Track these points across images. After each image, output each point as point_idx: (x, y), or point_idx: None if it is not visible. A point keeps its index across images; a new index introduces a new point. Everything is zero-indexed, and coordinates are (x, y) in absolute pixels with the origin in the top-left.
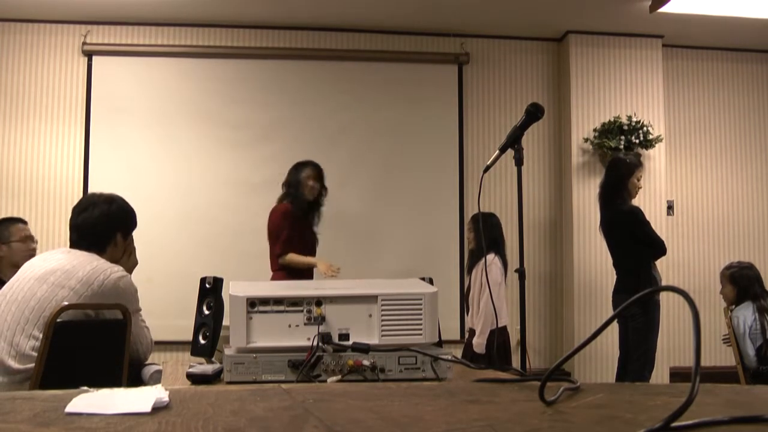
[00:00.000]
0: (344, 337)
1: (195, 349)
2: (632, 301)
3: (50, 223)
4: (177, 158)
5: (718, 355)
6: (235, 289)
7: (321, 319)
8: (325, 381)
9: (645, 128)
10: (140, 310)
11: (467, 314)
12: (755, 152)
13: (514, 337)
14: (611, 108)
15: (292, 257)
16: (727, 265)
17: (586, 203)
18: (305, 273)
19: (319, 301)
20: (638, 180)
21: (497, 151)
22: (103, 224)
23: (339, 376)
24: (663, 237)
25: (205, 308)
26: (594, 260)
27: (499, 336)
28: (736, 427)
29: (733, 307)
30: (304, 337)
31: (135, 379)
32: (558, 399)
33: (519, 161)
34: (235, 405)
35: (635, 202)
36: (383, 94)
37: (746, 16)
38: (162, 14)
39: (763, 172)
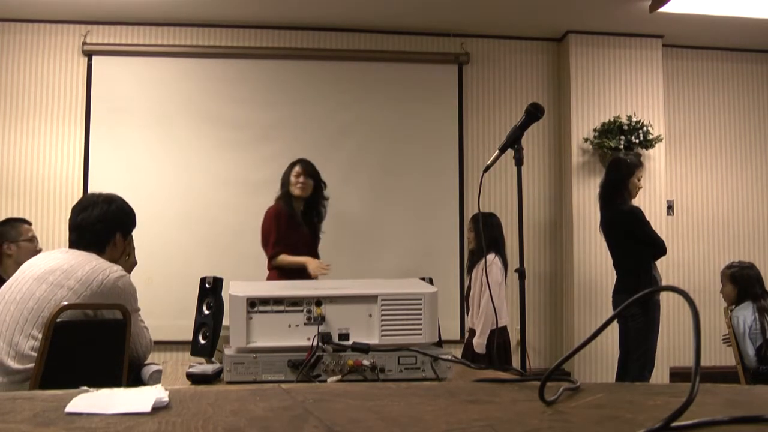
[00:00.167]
0: (344, 337)
1: (195, 349)
2: (632, 301)
3: (50, 223)
4: (177, 158)
5: (718, 355)
6: (235, 289)
7: (321, 319)
8: (325, 381)
9: (645, 128)
10: (139, 310)
11: (467, 314)
12: (755, 152)
13: (514, 337)
14: (611, 108)
15: (283, 258)
16: (728, 264)
17: (586, 203)
18: (299, 272)
19: (319, 301)
20: (639, 180)
21: (497, 151)
22: (103, 224)
23: (339, 376)
24: (663, 237)
25: (205, 308)
26: (594, 260)
27: (499, 336)
28: (736, 427)
29: (733, 307)
30: (304, 337)
31: (135, 379)
32: (558, 399)
33: (519, 161)
34: (235, 405)
35: (635, 202)
36: (383, 94)
37: (746, 16)
38: (162, 14)
39: (763, 172)
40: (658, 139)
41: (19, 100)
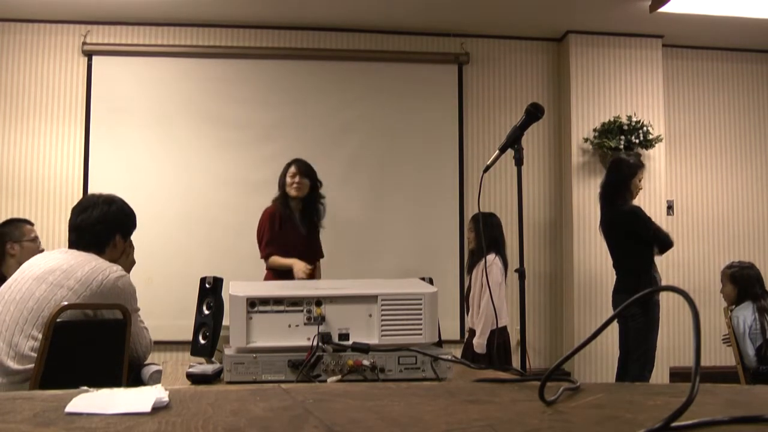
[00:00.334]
0: (344, 337)
1: (195, 349)
2: (632, 301)
3: (50, 223)
4: (177, 158)
5: (718, 355)
6: (235, 289)
7: (321, 319)
8: (325, 381)
9: (645, 128)
10: (139, 310)
11: (467, 314)
12: (755, 152)
13: (514, 337)
14: (611, 108)
15: (274, 259)
16: (728, 264)
17: (586, 203)
18: (291, 270)
19: (319, 301)
20: (640, 181)
21: (497, 151)
22: (103, 225)
23: (339, 376)
24: None
25: (205, 308)
26: (594, 260)
27: (499, 336)
28: (736, 427)
29: (733, 306)
30: (304, 337)
31: (135, 379)
32: (558, 399)
33: (519, 161)
34: (235, 405)
35: (635, 202)
36: (383, 94)
37: (746, 16)
38: (162, 14)
39: (763, 172)
40: (658, 139)
41: (19, 100)
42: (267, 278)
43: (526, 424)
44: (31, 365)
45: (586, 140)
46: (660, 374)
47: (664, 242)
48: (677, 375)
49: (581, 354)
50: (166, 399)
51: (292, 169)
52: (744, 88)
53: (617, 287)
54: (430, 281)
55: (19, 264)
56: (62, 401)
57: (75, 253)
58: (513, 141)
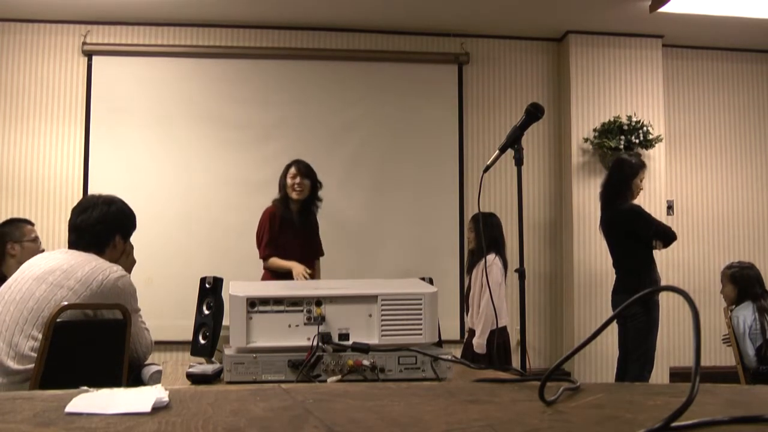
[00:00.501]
0: (344, 337)
1: (195, 349)
2: (632, 301)
3: (50, 223)
4: (177, 158)
5: (718, 355)
6: (235, 289)
7: (321, 319)
8: (325, 381)
9: (645, 128)
10: (140, 310)
11: (467, 314)
12: (755, 152)
13: (514, 337)
14: (611, 108)
15: (274, 261)
16: (728, 264)
17: (586, 203)
18: (289, 273)
19: (319, 301)
20: (641, 181)
21: (497, 151)
22: (103, 226)
23: (339, 376)
24: None
25: (205, 308)
26: (594, 260)
27: (499, 336)
28: (736, 427)
29: (733, 307)
30: (304, 337)
31: (135, 379)
32: (558, 399)
33: (519, 161)
34: (235, 405)
35: (636, 202)
36: (383, 94)
37: (746, 16)
38: (162, 14)
39: (763, 172)
40: (658, 139)
41: (19, 100)
42: (264, 278)
43: (526, 424)
44: (31, 365)
45: (586, 140)
46: (660, 374)
47: (667, 235)
48: (677, 375)
49: (581, 354)
50: (166, 399)
51: (293, 170)
52: (744, 88)
53: (617, 287)
54: (430, 281)
55: (20, 264)
56: (62, 401)
57: (75, 253)
58: (513, 141)
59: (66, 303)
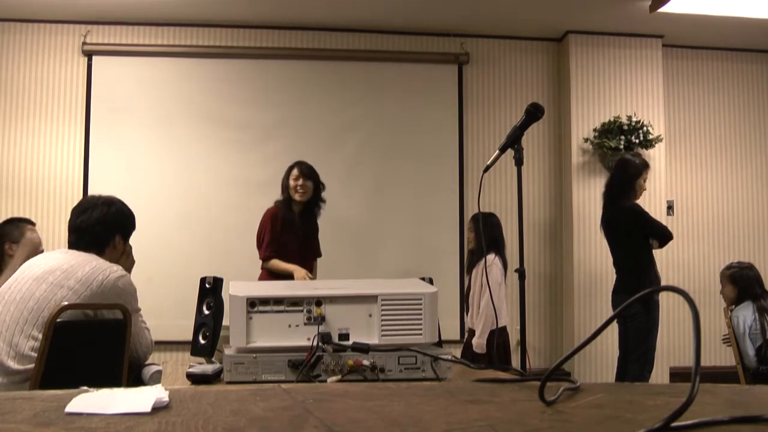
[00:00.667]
0: (344, 337)
1: (195, 349)
2: (632, 301)
3: (50, 224)
4: (177, 158)
5: (718, 355)
6: (235, 289)
7: (321, 319)
8: (325, 381)
9: (645, 128)
10: (140, 310)
11: (467, 314)
12: (755, 152)
13: (514, 337)
14: (611, 108)
15: (275, 263)
16: (728, 265)
17: (586, 203)
18: (289, 275)
19: (319, 301)
20: (644, 181)
21: (497, 151)
22: (103, 226)
23: (339, 376)
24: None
25: (205, 308)
26: (594, 260)
27: (499, 336)
28: (736, 427)
29: (733, 307)
30: (304, 337)
31: (135, 379)
32: (558, 399)
33: (519, 161)
34: (235, 405)
35: (636, 202)
36: (383, 94)
37: (746, 16)
38: (162, 14)
39: (763, 172)
40: (658, 139)
41: (19, 100)
42: (262, 278)
43: (526, 424)
44: (32, 365)
45: (586, 140)
46: (660, 374)
47: (664, 235)
48: (677, 375)
49: (581, 354)
50: (166, 399)
51: (295, 171)
52: (744, 88)
53: (617, 287)
54: (430, 281)
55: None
56: (62, 401)
57: (75, 253)
58: (513, 141)
59: (66, 303)
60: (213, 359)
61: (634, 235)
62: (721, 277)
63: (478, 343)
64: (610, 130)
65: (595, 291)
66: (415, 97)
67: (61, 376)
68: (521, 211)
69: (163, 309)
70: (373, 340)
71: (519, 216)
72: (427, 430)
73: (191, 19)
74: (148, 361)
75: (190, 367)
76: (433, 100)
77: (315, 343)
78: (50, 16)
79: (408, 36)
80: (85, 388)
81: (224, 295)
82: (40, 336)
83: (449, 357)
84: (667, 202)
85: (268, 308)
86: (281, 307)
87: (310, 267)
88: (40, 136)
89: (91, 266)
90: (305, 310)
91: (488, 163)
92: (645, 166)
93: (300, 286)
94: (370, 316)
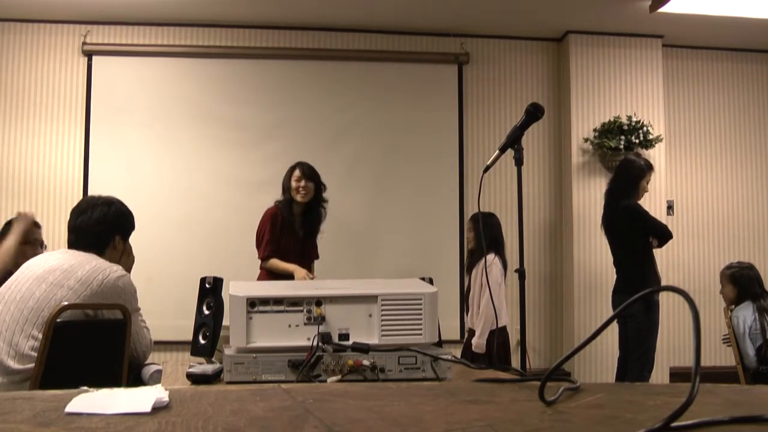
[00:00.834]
0: (344, 337)
1: (195, 349)
2: (632, 301)
3: (50, 224)
4: (177, 158)
5: (718, 355)
6: (235, 289)
7: (321, 319)
8: (325, 381)
9: (645, 128)
10: (140, 309)
11: (467, 314)
12: (755, 152)
13: (514, 337)
14: (611, 108)
15: (275, 262)
16: (727, 265)
17: (586, 203)
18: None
19: (319, 301)
20: (647, 183)
21: (497, 151)
22: (102, 226)
23: (339, 376)
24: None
25: (205, 308)
26: (594, 260)
27: (498, 336)
28: (736, 427)
29: (733, 307)
30: (304, 337)
31: (135, 379)
32: (558, 399)
33: (519, 161)
34: (235, 405)
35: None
36: (383, 94)
37: (746, 16)
38: (162, 14)
39: (763, 172)
40: (658, 139)
41: (19, 100)
42: (260, 278)
43: (526, 424)
44: (32, 365)
45: (586, 140)
46: (660, 374)
47: (664, 233)
48: (677, 375)
49: (581, 354)
50: (166, 399)
51: (297, 172)
52: (744, 88)
53: (617, 287)
54: (430, 281)
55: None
56: (62, 401)
57: (75, 253)
58: (513, 141)
59: (66, 303)
60: (213, 359)
61: (634, 234)
62: (721, 277)
63: (478, 343)
64: (610, 130)
65: (595, 291)
66: (415, 97)
67: (61, 376)
68: (521, 211)
69: (163, 309)
70: (373, 340)
71: (519, 216)
72: (427, 430)
73: (191, 19)
74: (147, 361)
75: (190, 367)
76: (433, 100)
77: (315, 343)
78: (50, 16)
79: (408, 36)
80: (85, 388)
81: (224, 295)
82: (40, 336)
83: (449, 357)
84: (667, 202)
85: (268, 308)
86: (281, 307)
87: (308, 268)
88: (40, 136)
89: (91, 266)
90: (305, 310)
91: (488, 163)
92: (649, 167)
93: (300, 286)
94: (370, 316)
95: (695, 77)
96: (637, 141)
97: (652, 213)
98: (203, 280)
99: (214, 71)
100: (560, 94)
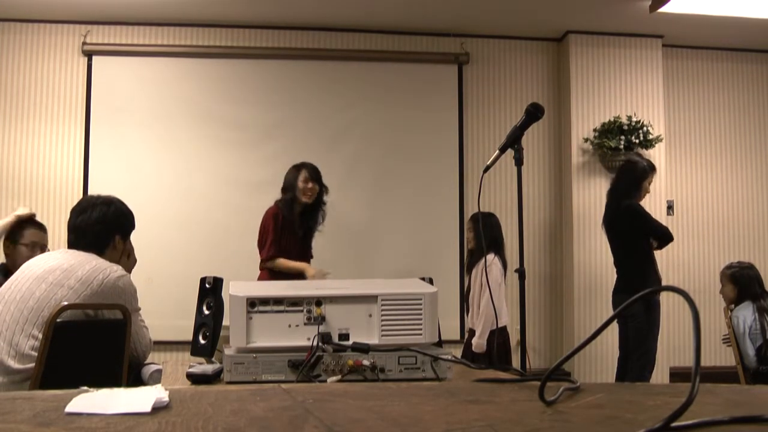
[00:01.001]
0: (344, 337)
1: (195, 349)
2: (632, 301)
3: (50, 224)
4: (177, 158)
5: (718, 355)
6: (235, 289)
7: (321, 319)
8: (325, 381)
9: (645, 128)
10: (140, 309)
11: (467, 314)
12: (755, 152)
13: (514, 337)
14: (611, 108)
15: (282, 262)
16: (727, 264)
17: (586, 203)
18: (290, 274)
19: (319, 301)
20: (649, 184)
21: (497, 151)
22: (102, 226)
23: (339, 376)
24: None
25: (205, 308)
26: (594, 260)
27: (499, 336)
28: (736, 427)
29: (733, 306)
30: (304, 337)
31: (135, 379)
32: (558, 399)
33: (519, 161)
34: (235, 405)
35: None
36: (383, 94)
37: (746, 16)
38: (162, 14)
39: (763, 172)
40: (658, 139)
41: (19, 100)
42: (262, 278)
43: (526, 424)
44: (32, 365)
45: (586, 140)
46: (660, 374)
47: (665, 235)
48: (677, 375)
49: (581, 354)
50: (166, 399)
51: (305, 174)
52: (744, 88)
53: (617, 287)
54: (430, 281)
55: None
56: (62, 401)
57: (75, 253)
58: (513, 141)
59: (66, 302)
60: (213, 359)
61: (635, 234)
62: (721, 277)
63: (478, 343)
64: (610, 130)
65: (595, 291)
66: (415, 97)
67: (61, 376)
68: (521, 211)
69: (163, 309)
70: (373, 340)
71: (519, 216)
72: (427, 430)
73: (191, 19)
74: (147, 361)
75: (190, 367)
76: (433, 100)
77: (315, 343)
78: (50, 16)
79: (408, 36)
80: (85, 388)
81: (224, 295)
82: (41, 335)
83: (449, 357)
84: (667, 202)
85: (268, 308)
86: (281, 307)
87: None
88: (40, 136)
89: (91, 266)
90: (305, 310)
91: (488, 163)
92: (652, 168)
93: (300, 286)
94: (370, 316)
95: (695, 77)
96: (637, 141)
97: (652, 213)
98: (203, 280)
99: (214, 71)
100: (560, 94)
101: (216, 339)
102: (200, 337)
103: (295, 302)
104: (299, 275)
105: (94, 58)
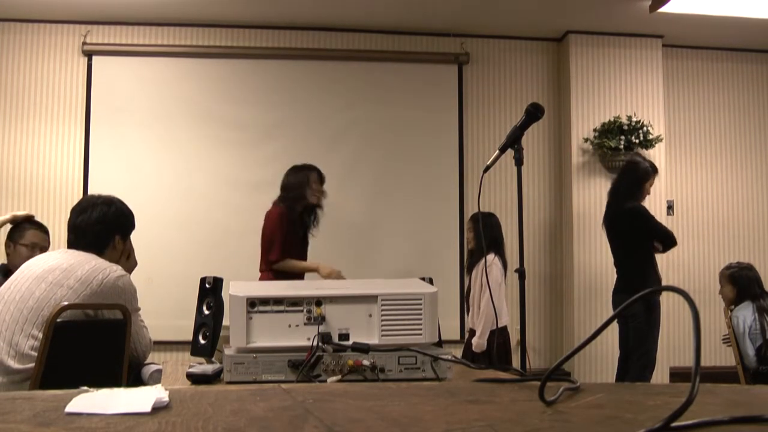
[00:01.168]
0: (344, 337)
1: (195, 349)
2: (632, 301)
3: (50, 224)
4: (177, 158)
5: (718, 355)
6: (235, 289)
7: (321, 319)
8: (325, 381)
9: (645, 128)
10: (139, 309)
11: (467, 314)
12: (755, 152)
13: (514, 337)
14: (611, 108)
15: (292, 263)
16: (727, 265)
17: (586, 203)
18: (292, 275)
19: (319, 301)
20: (650, 185)
21: (497, 151)
22: (102, 226)
23: (339, 376)
24: None
25: (205, 308)
26: (594, 260)
27: (499, 336)
28: (736, 427)
29: (733, 307)
30: (304, 337)
31: (135, 379)
32: (558, 399)
33: (519, 161)
34: (235, 405)
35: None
36: (383, 94)
37: (746, 16)
38: (162, 14)
39: (763, 172)
40: (658, 139)
41: (19, 100)
42: (264, 279)
43: (526, 424)
44: (32, 364)
45: (586, 140)
46: (660, 374)
47: (669, 238)
48: (677, 375)
49: (581, 354)
50: (166, 399)
51: (316, 176)
52: (744, 88)
53: (618, 287)
54: (430, 281)
55: (15, 266)
56: (62, 401)
57: (75, 252)
58: (513, 141)
59: (66, 302)
60: (213, 359)
61: (635, 235)
62: (721, 277)
63: (479, 343)
64: (610, 130)
65: (595, 291)
66: (415, 98)
67: (61, 376)
68: (521, 211)
69: (163, 309)
70: (373, 340)
71: (519, 216)
72: (427, 430)
73: (191, 19)
74: (147, 361)
75: (190, 367)
76: (433, 100)
77: (315, 343)
78: (50, 16)
79: (408, 36)
80: (85, 388)
81: (224, 295)
82: (40, 335)
83: (449, 357)
84: (667, 202)
85: (268, 308)
86: (281, 307)
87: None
88: (40, 136)
89: (90, 265)
90: (305, 310)
91: (488, 163)
92: (654, 170)
93: (300, 286)
94: (370, 316)
95: (695, 77)
96: (637, 141)
97: (652, 213)
98: (203, 280)
99: (214, 71)
100: (560, 94)
101: (216, 339)
102: (200, 337)
103: (295, 302)
104: (297, 273)
105: (94, 58)
